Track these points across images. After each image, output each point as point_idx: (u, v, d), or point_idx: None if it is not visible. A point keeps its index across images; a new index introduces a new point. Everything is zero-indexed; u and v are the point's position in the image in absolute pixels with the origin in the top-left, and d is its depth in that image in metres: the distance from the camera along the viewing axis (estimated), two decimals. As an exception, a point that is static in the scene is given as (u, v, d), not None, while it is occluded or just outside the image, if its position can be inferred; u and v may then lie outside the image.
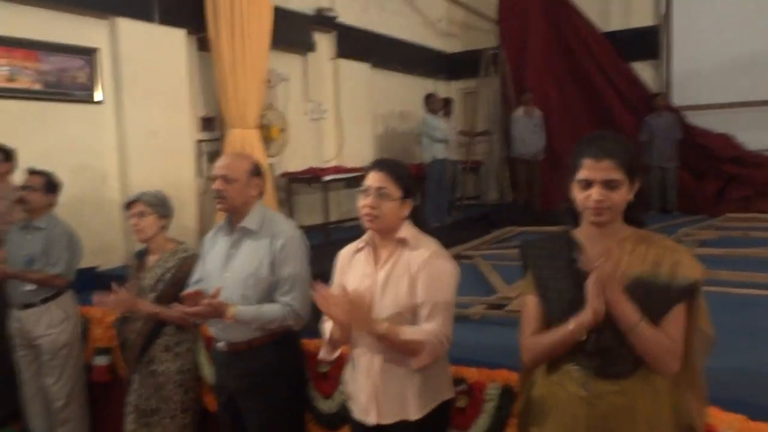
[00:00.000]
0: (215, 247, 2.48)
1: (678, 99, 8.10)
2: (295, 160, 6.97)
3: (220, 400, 2.49)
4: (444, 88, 9.90)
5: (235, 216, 2.41)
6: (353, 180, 6.80)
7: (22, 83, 4.75)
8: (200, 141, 6.03)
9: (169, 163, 5.59)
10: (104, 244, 5.11)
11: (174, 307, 2.33)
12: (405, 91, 9.14)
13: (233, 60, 5.67)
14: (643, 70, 8.50)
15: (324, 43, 7.54)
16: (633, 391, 1.61)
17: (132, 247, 5.32)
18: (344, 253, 2.15)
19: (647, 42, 8.47)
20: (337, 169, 6.67)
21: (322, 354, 2.10)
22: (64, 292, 3.34)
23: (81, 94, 5.12)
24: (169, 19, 5.59)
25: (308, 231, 6.52)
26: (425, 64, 9.49)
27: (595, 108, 8.40)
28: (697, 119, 7.90)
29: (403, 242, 1.98)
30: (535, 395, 1.78)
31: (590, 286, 1.56)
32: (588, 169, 1.64)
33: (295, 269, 2.34)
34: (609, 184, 1.62)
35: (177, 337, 2.76)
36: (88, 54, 5.15)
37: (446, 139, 7.58)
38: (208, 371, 2.85)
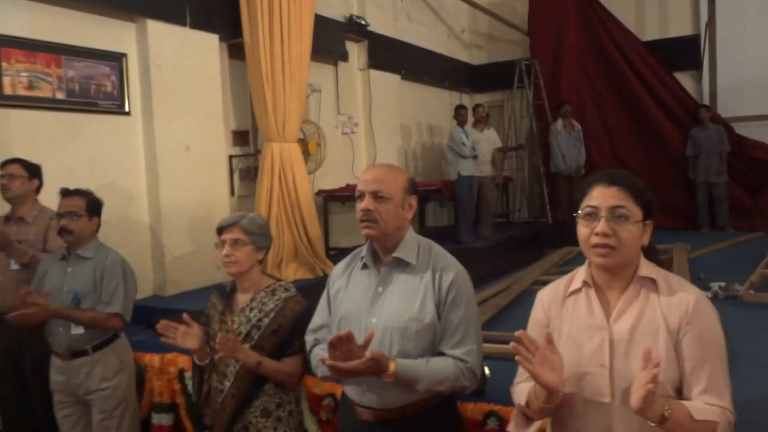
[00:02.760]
0: (352, 285, 1.93)
1: (722, 110, 7.70)
2: (327, 177, 6.46)
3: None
4: (468, 102, 9.47)
5: (383, 244, 1.87)
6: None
7: (44, 92, 4.21)
8: (232, 156, 5.49)
9: (201, 181, 5.05)
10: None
11: (318, 357, 1.77)
12: (432, 104, 8.70)
13: (272, 68, 5.16)
14: (682, 81, 8.12)
15: (354, 52, 7.08)
16: None
17: (162, 275, 4.78)
18: (548, 296, 1.62)
19: (686, 52, 8.10)
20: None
21: (512, 428, 1.58)
22: (119, 335, 2.77)
23: (108, 105, 4.57)
24: (201, 23, 5.08)
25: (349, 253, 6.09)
26: (450, 76, 9.05)
27: (636, 121, 7.98)
28: (743, 131, 7.51)
29: (649, 283, 1.48)
30: None
31: None
32: None
33: (467, 314, 1.81)
34: None
35: (278, 398, 2.20)
36: (115, 60, 4.62)
37: (474, 155, 7.09)
38: (317, 439, 2.31)
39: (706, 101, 7.81)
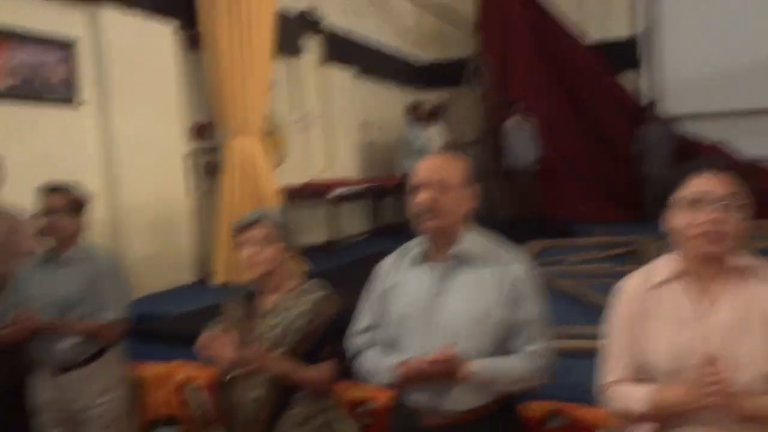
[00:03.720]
0: (407, 282, 1.78)
1: (666, 108, 8.02)
2: (283, 175, 6.20)
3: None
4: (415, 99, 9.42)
5: (443, 238, 1.74)
6: (356, 194, 6.13)
7: (-12, 80, 3.78)
8: (189, 152, 5.15)
9: (160, 178, 4.74)
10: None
11: (384, 363, 1.62)
12: (383, 101, 8.58)
13: (232, 59, 4.88)
14: (623, 81, 8.40)
15: (309, 47, 6.85)
16: None
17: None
18: (633, 288, 1.55)
19: (625, 53, 8.39)
20: (344, 183, 5.98)
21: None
22: (113, 345, 2.48)
23: (59, 96, 4.18)
24: (156, 9, 4.75)
25: (312, 252, 5.89)
26: (399, 73, 8.98)
27: (583, 119, 8.19)
28: (687, 129, 7.85)
29: (746, 271, 1.43)
30: None
31: None
32: None
33: (538, 309, 1.72)
34: None
35: (312, 407, 2.00)
36: (66, 46, 4.23)
37: (424, 150, 7.03)
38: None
39: (646, 101, 8.11)
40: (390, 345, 1.79)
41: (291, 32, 6.37)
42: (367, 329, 1.86)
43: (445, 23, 9.11)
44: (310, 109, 6.82)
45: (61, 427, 2.42)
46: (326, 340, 2.01)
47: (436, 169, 1.70)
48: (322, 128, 6.96)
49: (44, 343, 2.34)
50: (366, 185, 6.53)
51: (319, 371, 2.00)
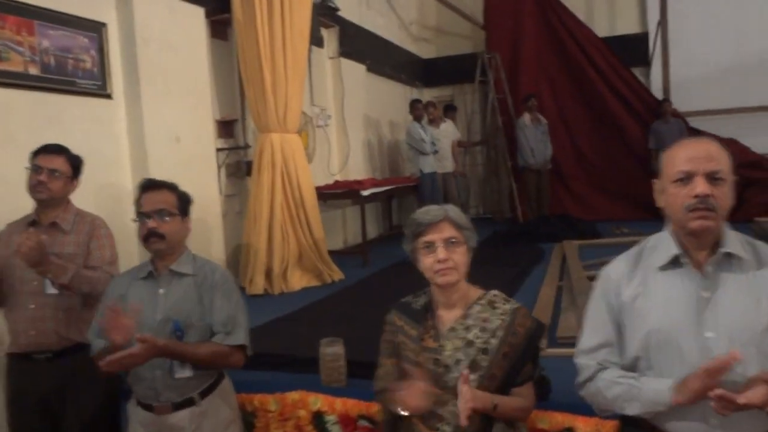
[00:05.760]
0: (657, 289, 1.49)
1: (675, 105, 7.96)
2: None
3: None
4: (418, 96, 9.13)
5: (706, 239, 1.47)
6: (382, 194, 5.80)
7: (15, 65, 3.33)
8: (219, 150, 4.74)
9: (192, 178, 4.23)
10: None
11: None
12: (391, 97, 8.27)
13: (272, 48, 4.49)
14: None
15: (325, 38, 6.50)
16: None
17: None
18: None
19: (634, 49, 8.31)
20: (374, 182, 5.64)
21: None
22: (225, 375, 2.09)
23: (88, 84, 3.74)
24: (185, -8, 4.33)
25: (339, 256, 5.46)
26: (405, 69, 8.68)
27: (596, 115, 8.05)
28: (696, 125, 7.81)
29: None
30: None
31: None
32: None
33: None
34: None
35: (507, 441, 1.72)
36: (95, 30, 3.80)
37: (435, 150, 6.77)
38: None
39: (658, 97, 8.03)
40: (633, 367, 1.50)
41: (313, 20, 5.99)
42: (599, 347, 1.56)
43: (449, 18, 8.85)
44: (326, 104, 6.46)
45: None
46: (525, 360, 1.71)
47: (711, 157, 1.42)
48: (339, 125, 6.60)
49: (151, 374, 1.92)
50: (393, 186, 6.18)
51: (523, 398, 1.69)
